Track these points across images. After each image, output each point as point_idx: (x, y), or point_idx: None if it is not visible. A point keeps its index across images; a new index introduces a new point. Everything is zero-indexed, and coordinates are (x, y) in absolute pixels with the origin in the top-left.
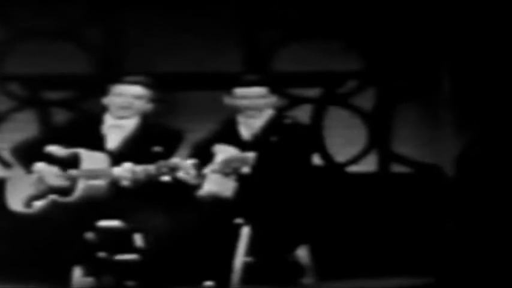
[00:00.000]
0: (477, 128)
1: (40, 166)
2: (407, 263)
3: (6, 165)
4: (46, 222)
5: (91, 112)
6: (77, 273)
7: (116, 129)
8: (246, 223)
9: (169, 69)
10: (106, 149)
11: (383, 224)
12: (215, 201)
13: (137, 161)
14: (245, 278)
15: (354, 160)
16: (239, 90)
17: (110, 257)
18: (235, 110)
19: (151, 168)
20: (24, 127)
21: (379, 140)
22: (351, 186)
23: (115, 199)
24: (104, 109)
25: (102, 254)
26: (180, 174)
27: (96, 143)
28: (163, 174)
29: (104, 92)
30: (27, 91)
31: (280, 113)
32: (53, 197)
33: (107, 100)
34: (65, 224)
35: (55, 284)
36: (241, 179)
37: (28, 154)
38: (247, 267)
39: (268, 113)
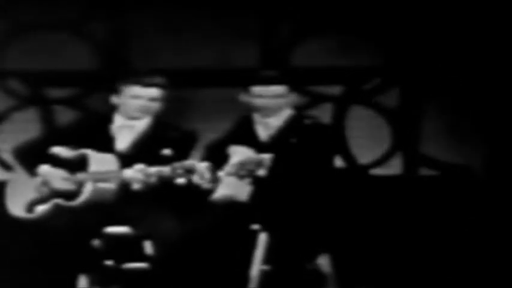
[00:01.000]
0: (509, 126)
1: (45, 169)
2: (437, 272)
3: (7, 167)
4: (49, 228)
5: (98, 111)
6: (83, 283)
7: (126, 130)
8: (263, 229)
9: (180, 66)
10: (115, 151)
11: (409, 231)
12: (230, 205)
13: (148, 163)
14: None
15: (379, 162)
16: (256, 89)
17: (118, 265)
18: (252, 109)
19: (165, 170)
20: (26, 127)
21: (405, 140)
22: (375, 190)
23: (123, 204)
24: (110, 107)
25: (109, 263)
26: (195, 177)
27: (105, 144)
28: (178, 176)
29: (110, 89)
30: (29, 88)
31: (299, 112)
32: (56, 201)
33: (118, 100)
34: (70, 230)
35: None
36: (257, 182)
37: (31, 156)
38: (264, 277)
39: (286, 112)
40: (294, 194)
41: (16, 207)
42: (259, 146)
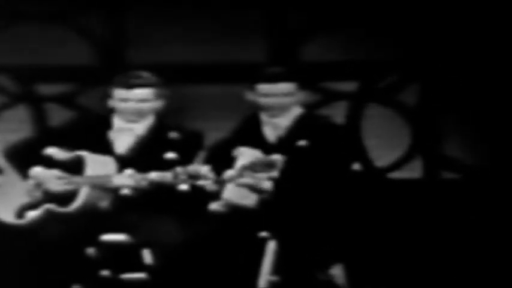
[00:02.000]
0: None
1: (38, 171)
2: (463, 282)
3: None
4: (41, 235)
5: (95, 110)
6: None
7: (126, 132)
8: (272, 237)
9: (182, 60)
10: (115, 154)
11: (431, 240)
12: (236, 212)
13: (150, 167)
14: None
15: (397, 165)
16: (263, 87)
17: (115, 275)
18: (258, 108)
19: (167, 176)
20: (17, 126)
21: (425, 141)
22: (393, 195)
23: (121, 209)
24: (107, 105)
25: (105, 273)
26: (200, 182)
27: (103, 146)
28: (181, 182)
29: (106, 85)
30: (20, 85)
31: (310, 111)
32: (49, 206)
33: (112, 103)
34: (63, 238)
35: None
36: (266, 186)
37: (23, 158)
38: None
39: (296, 111)
40: (305, 199)
41: (5, 213)
42: (267, 148)
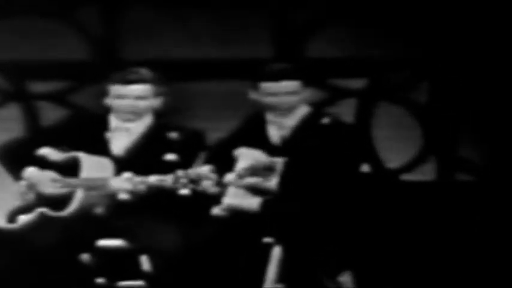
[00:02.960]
0: None
1: (31, 171)
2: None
3: None
4: (34, 240)
5: (90, 109)
6: None
7: (122, 133)
8: (277, 243)
9: (181, 57)
10: (111, 156)
11: (445, 245)
12: (238, 216)
13: (149, 169)
14: None
15: (409, 167)
16: (267, 85)
17: (111, 283)
18: (262, 107)
19: (167, 180)
20: (8, 126)
21: (439, 142)
22: (406, 198)
23: (118, 214)
24: (103, 103)
25: (101, 280)
26: (201, 185)
27: (99, 146)
28: (182, 187)
29: (102, 82)
30: (11, 82)
31: (317, 109)
32: (43, 210)
33: (108, 101)
34: (57, 243)
35: None
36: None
37: (15, 158)
38: None
39: (302, 110)
40: (311, 202)
41: None
42: (271, 149)
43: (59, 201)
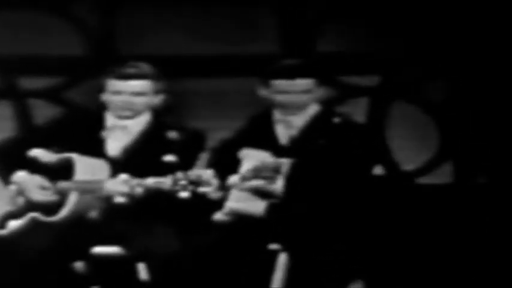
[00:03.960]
0: None
1: (21, 176)
2: None
3: None
4: (25, 247)
5: (86, 108)
6: None
7: (118, 132)
8: (283, 249)
9: (182, 52)
10: (107, 155)
11: (465, 252)
12: (242, 221)
13: (146, 171)
14: None
15: (426, 169)
16: (279, 83)
17: None
18: (271, 105)
19: (165, 182)
20: None
21: (456, 143)
22: (422, 202)
23: (114, 219)
24: (98, 101)
25: None
26: (202, 189)
27: (94, 147)
28: (181, 189)
29: (97, 78)
30: (1, 78)
31: (327, 108)
32: (34, 215)
33: (105, 97)
34: (49, 250)
35: None
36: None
37: (5, 160)
38: None
39: (313, 109)
40: (320, 207)
41: None
42: (279, 150)
43: (51, 206)
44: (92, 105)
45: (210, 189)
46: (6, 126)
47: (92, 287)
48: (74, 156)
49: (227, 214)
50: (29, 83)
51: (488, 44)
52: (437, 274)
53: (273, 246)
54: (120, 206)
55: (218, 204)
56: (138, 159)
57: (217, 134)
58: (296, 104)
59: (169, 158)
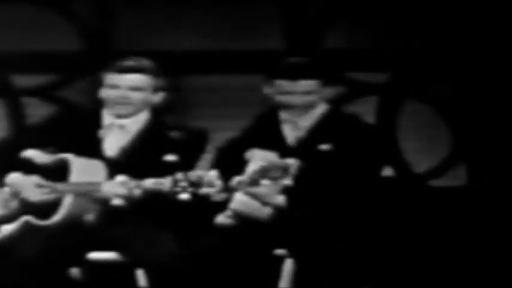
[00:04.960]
0: None
1: (15, 177)
2: None
3: None
4: (17, 252)
5: (82, 106)
6: None
7: (117, 130)
8: (289, 255)
9: (184, 47)
10: (104, 156)
11: (480, 257)
12: (246, 225)
13: (145, 172)
14: None
15: (439, 171)
16: (283, 84)
17: None
18: (277, 105)
19: (165, 183)
20: None
21: (470, 143)
22: (434, 205)
23: (111, 223)
24: (95, 99)
25: None
26: (204, 190)
27: (90, 147)
28: (182, 191)
29: (94, 75)
30: None
31: (335, 108)
32: (27, 218)
33: (102, 93)
34: (43, 256)
35: None
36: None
37: None
38: None
39: (320, 109)
40: (328, 210)
41: None
42: (286, 150)
43: (45, 209)
44: (88, 103)
45: (212, 191)
46: None
47: None
48: (70, 157)
49: (230, 217)
50: (22, 80)
51: (503, 40)
52: (451, 279)
53: (279, 251)
54: (117, 209)
55: (220, 207)
56: (136, 159)
57: (220, 134)
58: (300, 105)
59: (169, 158)
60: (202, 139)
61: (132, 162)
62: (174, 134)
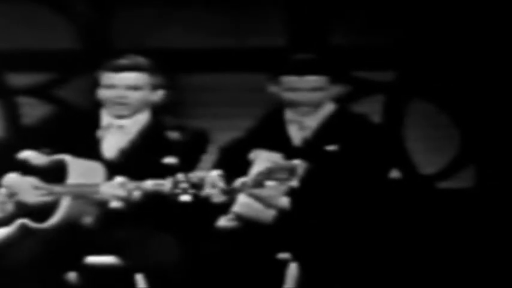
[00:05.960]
0: None
1: (11, 178)
2: None
3: None
4: (13, 255)
5: (80, 106)
6: None
7: (116, 131)
8: (293, 259)
9: (185, 45)
10: (102, 157)
11: (489, 262)
12: (249, 228)
13: (145, 173)
14: None
15: (447, 172)
16: (288, 79)
17: None
18: (282, 104)
19: (165, 184)
20: None
21: (479, 144)
22: (442, 208)
23: (109, 226)
24: (93, 98)
25: None
26: (205, 192)
27: (88, 148)
28: (182, 193)
29: (91, 74)
30: None
31: (342, 107)
32: (23, 221)
33: (100, 94)
34: (39, 260)
35: None
36: (288, 196)
37: None
38: None
39: (327, 108)
40: (334, 213)
41: None
42: (291, 151)
43: (42, 211)
44: (86, 102)
45: (213, 193)
46: None
47: None
48: (67, 158)
49: (232, 220)
50: (18, 79)
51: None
52: (460, 281)
53: (283, 255)
54: (116, 212)
55: (223, 209)
56: (135, 160)
57: (222, 135)
58: (307, 103)
59: (169, 159)
60: (203, 140)
61: (131, 163)
62: (174, 135)
